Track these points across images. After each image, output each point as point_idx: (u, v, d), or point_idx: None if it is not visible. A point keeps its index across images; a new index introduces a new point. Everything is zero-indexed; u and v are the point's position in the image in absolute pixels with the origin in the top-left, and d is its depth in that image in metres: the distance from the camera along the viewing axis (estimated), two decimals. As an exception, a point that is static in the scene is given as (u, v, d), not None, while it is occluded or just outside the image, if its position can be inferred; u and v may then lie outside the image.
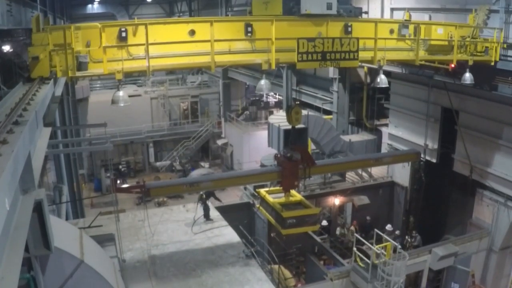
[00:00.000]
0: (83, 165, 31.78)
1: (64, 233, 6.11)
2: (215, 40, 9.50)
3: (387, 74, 18.42)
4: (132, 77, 43.10)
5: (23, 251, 3.96)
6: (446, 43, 12.27)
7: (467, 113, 15.38)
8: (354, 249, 12.64)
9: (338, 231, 18.19)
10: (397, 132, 18.71)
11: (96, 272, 6.01)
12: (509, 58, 12.43)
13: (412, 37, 11.72)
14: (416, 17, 15.18)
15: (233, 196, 28.31)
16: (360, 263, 12.28)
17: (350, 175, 20.99)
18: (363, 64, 17.15)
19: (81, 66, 8.64)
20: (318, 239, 15.55)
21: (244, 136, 31.70)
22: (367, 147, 20.96)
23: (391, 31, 11.67)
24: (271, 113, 32.09)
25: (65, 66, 8.38)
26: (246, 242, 14.08)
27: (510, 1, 12.29)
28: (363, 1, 18.39)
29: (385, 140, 19.99)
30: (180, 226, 14.80)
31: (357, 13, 11.92)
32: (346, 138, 20.65)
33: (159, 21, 10.03)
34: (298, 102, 25.39)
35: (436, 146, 16.84)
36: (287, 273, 15.09)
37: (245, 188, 21.35)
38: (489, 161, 14.81)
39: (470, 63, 12.27)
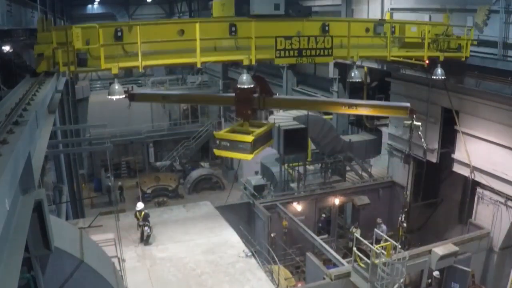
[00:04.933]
0: (83, 165, 31.75)
1: (64, 233, 6.11)
2: (201, 39, 10.38)
3: (387, 74, 18.50)
4: (133, 77, 43.09)
5: (23, 251, 3.95)
6: (419, 40, 13.07)
7: (467, 113, 15.37)
8: (354, 249, 12.64)
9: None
10: (397, 132, 18.70)
11: (96, 272, 6.01)
12: (481, 54, 13.31)
13: (386, 35, 12.58)
14: (416, 17, 15.20)
15: (233, 196, 28.33)
16: (360, 263, 12.28)
17: (350, 175, 20.99)
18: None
19: (81, 62, 9.46)
20: (318, 239, 15.54)
21: (244, 136, 31.63)
22: (367, 147, 20.96)
23: (367, 30, 12.60)
24: (271, 113, 32.04)
25: (67, 62, 9.17)
26: (246, 242, 14.10)
27: (510, 1, 12.30)
28: (363, 1, 18.39)
29: (385, 140, 19.97)
30: (180, 226, 14.81)
31: (306, 12, 12.55)
32: (346, 138, 20.64)
33: (150, 22, 11.00)
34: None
35: (436, 146, 16.84)
36: (287, 273, 15.09)
37: (245, 188, 21.38)
38: (489, 161, 14.80)
39: (441, 59, 13.12)
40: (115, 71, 9.79)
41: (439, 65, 13.29)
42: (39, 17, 9.78)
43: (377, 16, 17.38)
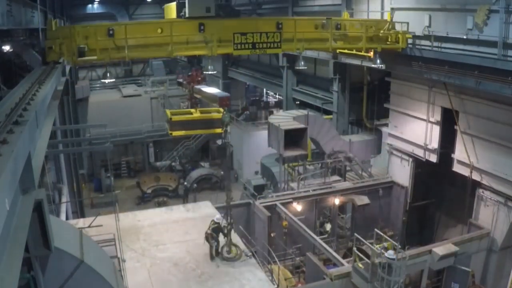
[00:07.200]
0: (83, 165, 31.75)
1: (64, 233, 6.10)
2: (175, 35, 12.91)
3: (387, 74, 18.49)
4: (132, 77, 43.08)
5: (23, 251, 3.95)
6: (361, 34, 15.14)
7: (467, 114, 15.37)
8: (354, 249, 12.64)
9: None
10: (397, 132, 18.69)
11: (96, 272, 6.01)
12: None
13: (331, 31, 14.65)
14: (416, 16, 15.22)
15: (233, 196, 28.30)
16: (360, 264, 12.27)
17: (350, 175, 20.98)
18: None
19: (81, 54, 11.94)
20: (318, 239, 15.54)
21: (244, 136, 31.68)
22: (367, 147, 20.95)
23: (316, 27, 14.72)
24: (271, 113, 32.06)
25: (70, 53, 11.99)
26: (246, 242, 14.08)
27: (510, 1, 12.29)
28: (363, 1, 18.39)
29: (385, 140, 19.96)
30: (180, 226, 14.81)
31: (235, 14, 14.76)
32: (346, 138, 20.64)
33: (135, 23, 13.00)
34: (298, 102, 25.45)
35: (436, 146, 16.83)
36: (287, 273, 15.08)
37: (245, 188, 21.40)
38: (489, 161, 14.80)
39: (379, 50, 15.48)
40: (107, 59, 12.59)
41: (377, 55, 15.59)
42: (49, 19, 12.46)
43: (377, 16, 17.39)
